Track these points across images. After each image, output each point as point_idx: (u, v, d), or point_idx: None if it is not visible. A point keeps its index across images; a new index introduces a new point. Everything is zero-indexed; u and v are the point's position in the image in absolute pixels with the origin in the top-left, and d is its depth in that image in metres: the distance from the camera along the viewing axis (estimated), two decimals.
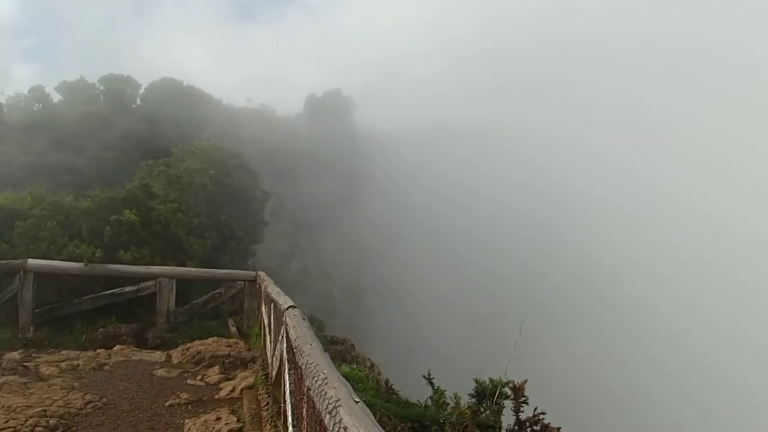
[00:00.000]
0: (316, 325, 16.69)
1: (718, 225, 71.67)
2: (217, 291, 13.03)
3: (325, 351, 3.73)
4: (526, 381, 6.09)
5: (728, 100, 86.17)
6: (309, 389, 3.08)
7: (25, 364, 8.38)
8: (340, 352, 11.28)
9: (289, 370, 4.64)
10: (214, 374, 8.55)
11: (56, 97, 55.77)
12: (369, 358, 12.68)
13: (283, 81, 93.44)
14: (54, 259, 11.84)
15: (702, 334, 61.03)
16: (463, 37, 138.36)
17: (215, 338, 10.52)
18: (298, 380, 3.98)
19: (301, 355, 3.62)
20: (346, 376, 4.80)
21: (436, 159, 74.91)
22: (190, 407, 7.01)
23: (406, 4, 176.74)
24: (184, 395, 7.40)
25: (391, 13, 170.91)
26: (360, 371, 8.36)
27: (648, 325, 62.13)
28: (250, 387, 7.54)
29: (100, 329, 11.00)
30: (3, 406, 6.38)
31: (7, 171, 31.86)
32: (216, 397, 7.51)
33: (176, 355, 9.82)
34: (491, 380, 6.27)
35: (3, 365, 8.08)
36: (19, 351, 9.28)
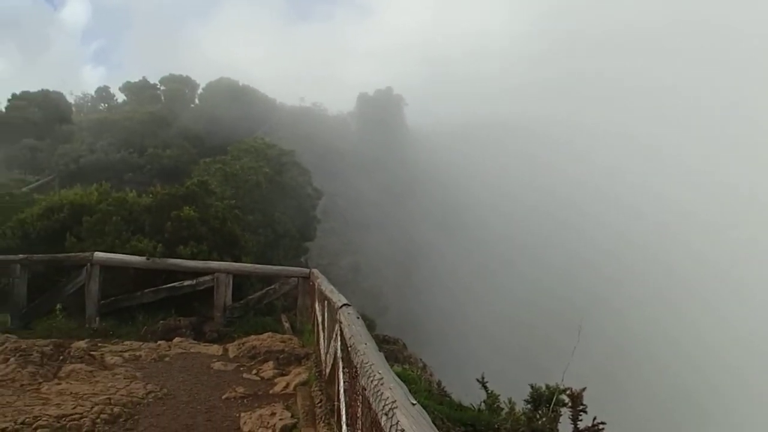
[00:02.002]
0: (368, 323, 16.73)
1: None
2: (272, 287, 13.17)
3: (378, 351, 3.70)
4: (584, 389, 5.86)
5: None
6: (364, 389, 3.03)
7: (91, 353, 8.71)
8: (392, 351, 11.25)
9: (343, 368, 4.61)
10: (268, 369, 8.65)
11: (120, 97, 58.40)
12: (421, 359, 12.62)
13: (336, 80, 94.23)
14: (118, 253, 12.19)
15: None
16: (510, 36, 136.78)
17: (270, 334, 10.65)
18: (352, 379, 3.96)
19: (356, 354, 3.58)
20: (400, 377, 4.76)
21: (486, 154, 73.84)
22: (245, 401, 7.13)
23: (456, 4, 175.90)
24: (240, 389, 7.52)
25: (441, 13, 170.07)
26: (412, 372, 8.30)
27: (717, 325, 59.21)
28: (304, 383, 7.56)
29: (161, 321, 11.34)
30: (71, 393, 6.67)
31: (75, 168, 33.48)
32: (270, 392, 7.59)
33: (232, 349, 10.00)
34: (548, 386, 6.09)
35: (71, 353, 8.44)
36: (85, 340, 9.62)
